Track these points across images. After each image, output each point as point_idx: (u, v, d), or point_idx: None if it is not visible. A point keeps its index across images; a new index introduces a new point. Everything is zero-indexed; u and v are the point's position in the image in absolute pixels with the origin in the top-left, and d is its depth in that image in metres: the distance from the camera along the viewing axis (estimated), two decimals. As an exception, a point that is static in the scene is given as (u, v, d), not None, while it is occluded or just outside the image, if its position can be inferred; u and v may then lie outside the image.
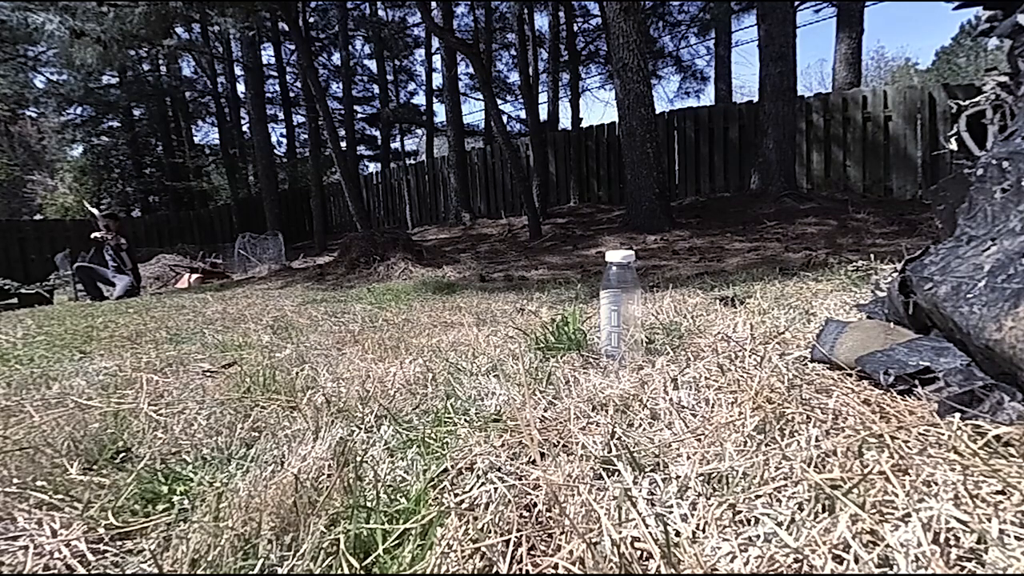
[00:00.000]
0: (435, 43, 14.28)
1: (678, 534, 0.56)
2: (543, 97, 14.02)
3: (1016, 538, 0.49)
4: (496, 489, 0.67)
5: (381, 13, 16.18)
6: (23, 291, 7.98)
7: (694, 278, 3.04)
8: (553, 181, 10.04)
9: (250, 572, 0.58)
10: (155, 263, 9.58)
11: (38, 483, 0.81)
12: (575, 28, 13.40)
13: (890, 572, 0.48)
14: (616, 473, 0.68)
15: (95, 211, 6.67)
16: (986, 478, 0.58)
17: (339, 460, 0.79)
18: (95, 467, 0.88)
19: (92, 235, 6.36)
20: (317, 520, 0.64)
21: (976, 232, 0.89)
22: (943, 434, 0.68)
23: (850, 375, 0.94)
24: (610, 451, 0.75)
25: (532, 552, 0.57)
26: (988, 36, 1.13)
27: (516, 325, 1.84)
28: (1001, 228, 0.84)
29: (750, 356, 1.10)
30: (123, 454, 0.93)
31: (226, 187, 18.08)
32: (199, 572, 0.59)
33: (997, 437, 0.65)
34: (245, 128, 17.30)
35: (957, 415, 0.71)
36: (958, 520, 0.52)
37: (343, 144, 13.33)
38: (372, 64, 18.02)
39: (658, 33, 13.94)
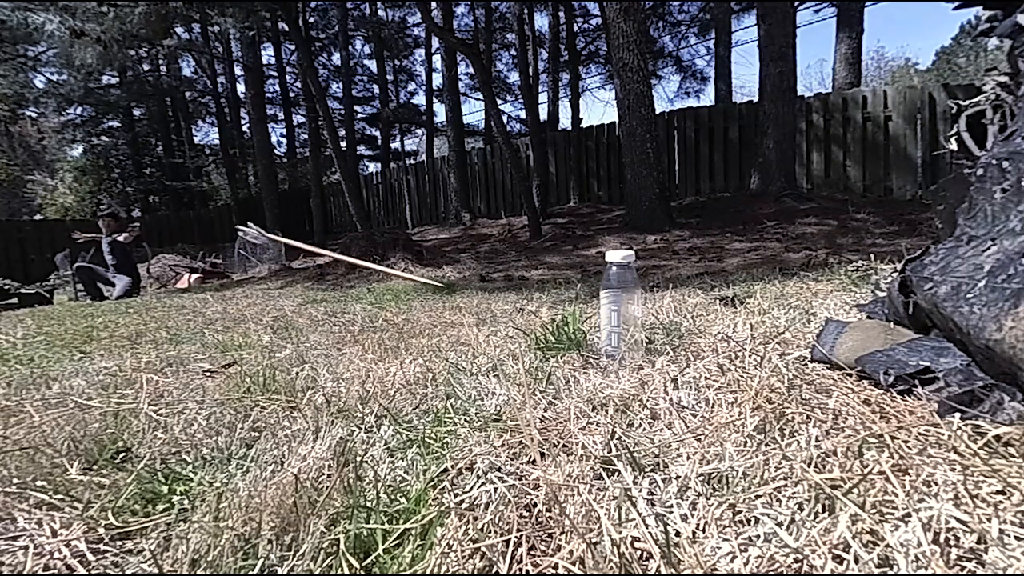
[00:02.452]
0: (435, 43, 14.28)
1: (678, 534, 0.56)
2: (543, 97, 14.03)
3: (1016, 538, 0.49)
4: (496, 489, 0.67)
5: (381, 13, 16.17)
6: (23, 291, 7.98)
7: (694, 278, 3.04)
8: (553, 181, 10.03)
9: (250, 572, 0.58)
10: (155, 263, 9.57)
11: (38, 483, 0.80)
12: (575, 28, 13.40)
13: (890, 572, 0.48)
14: (616, 473, 0.68)
15: (115, 208, 6.68)
16: (986, 478, 0.58)
17: (339, 460, 0.79)
18: (95, 467, 0.88)
19: (79, 237, 6.34)
20: (317, 520, 0.64)
21: (976, 232, 0.89)
22: (943, 434, 0.68)
23: (850, 375, 0.94)
24: (610, 451, 0.75)
25: (532, 552, 0.57)
26: (988, 36, 1.13)
27: (516, 325, 1.84)
28: (1001, 228, 0.84)
29: (750, 356, 1.09)
30: (123, 454, 0.93)
31: (226, 187, 18.07)
32: (199, 572, 0.59)
33: (997, 437, 0.65)
34: (245, 128, 17.29)
35: (957, 415, 0.71)
36: (958, 520, 0.52)
37: (343, 144, 13.33)
38: (372, 64, 18.02)
39: (658, 33, 13.95)
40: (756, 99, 7.16)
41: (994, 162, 0.90)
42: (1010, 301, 0.72)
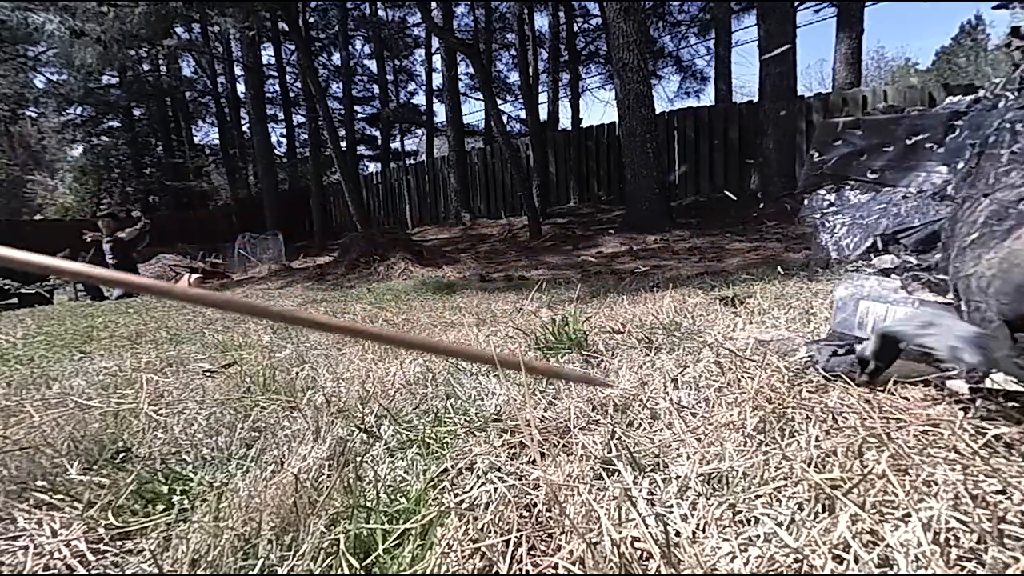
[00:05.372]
0: (435, 43, 14.26)
1: (678, 534, 0.56)
2: (543, 97, 14.00)
3: (1016, 538, 0.49)
4: (496, 489, 0.66)
5: (381, 13, 16.16)
6: (23, 291, 7.96)
7: (694, 278, 3.04)
8: (553, 181, 10.03)
9: (250, 572, 0.58)
10: (155, 263, 9.57)
11: (38, 483, 0.80)
12: (575, 28, 13.39)
13: (890, 572, 0.48)
14: (616, 473, 0.68)
15: (115, 208, 6.67)
16: (986, 478, 0.58)
17: (339, 460, 0.79)
18: (95, 467, 0.88)
19: (89, 236, 6.35)
20: (317, 520, 0.64)
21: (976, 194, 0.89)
22: (943, 434, 0.68)
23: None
24: (610, 451, 0.75)
25: (532, 552, 0.57)
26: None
27: (516, 325, 1.84)
28: (1000, 185, 0.83)
29: (750, 356, 1.09)
30: (123, 454, 0.93)
31: (226, 187, 18.06)
32: (199, 572, 0.59)
33: (997, 437, 0.65)
34: (245, 128, 17.27)
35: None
36: (958, 520, 0.52)
37: (343, 144, 13.33)
38: (372, 64, 17.98)
39: (658, 33, 13.95)
40: (756, 99, 7.16)
41: (1007, 126, 0.89)
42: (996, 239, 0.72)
